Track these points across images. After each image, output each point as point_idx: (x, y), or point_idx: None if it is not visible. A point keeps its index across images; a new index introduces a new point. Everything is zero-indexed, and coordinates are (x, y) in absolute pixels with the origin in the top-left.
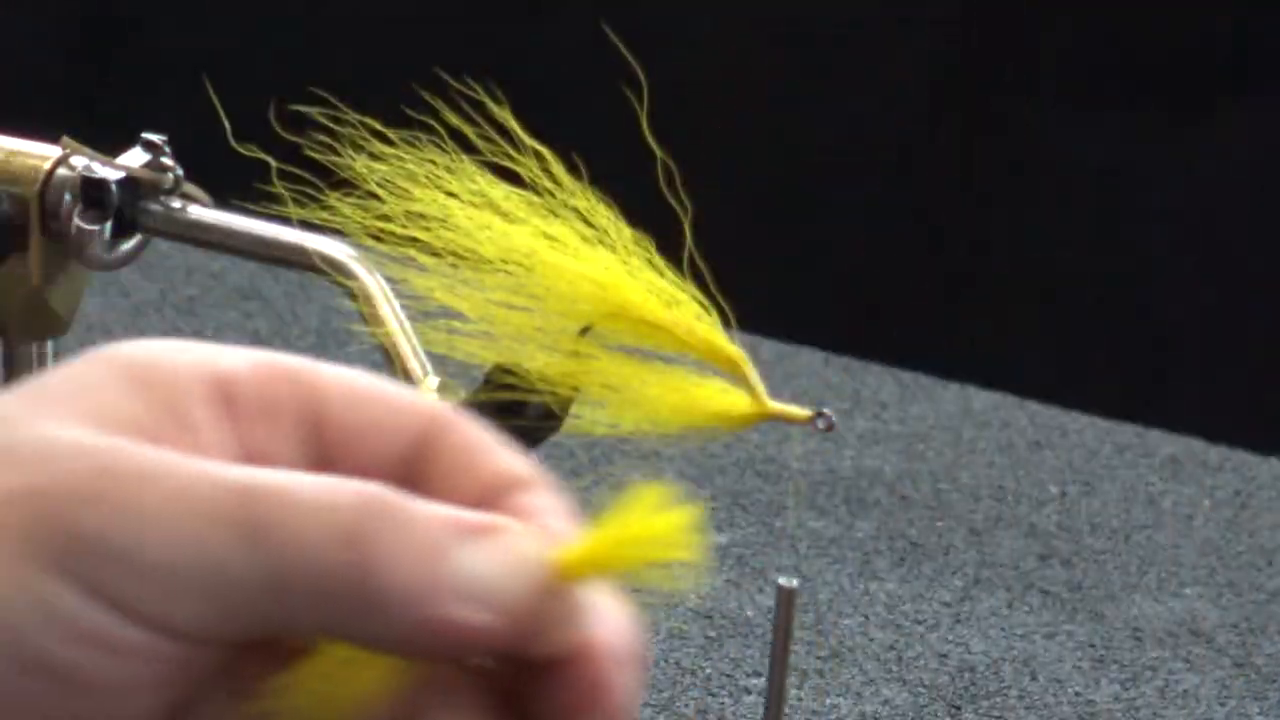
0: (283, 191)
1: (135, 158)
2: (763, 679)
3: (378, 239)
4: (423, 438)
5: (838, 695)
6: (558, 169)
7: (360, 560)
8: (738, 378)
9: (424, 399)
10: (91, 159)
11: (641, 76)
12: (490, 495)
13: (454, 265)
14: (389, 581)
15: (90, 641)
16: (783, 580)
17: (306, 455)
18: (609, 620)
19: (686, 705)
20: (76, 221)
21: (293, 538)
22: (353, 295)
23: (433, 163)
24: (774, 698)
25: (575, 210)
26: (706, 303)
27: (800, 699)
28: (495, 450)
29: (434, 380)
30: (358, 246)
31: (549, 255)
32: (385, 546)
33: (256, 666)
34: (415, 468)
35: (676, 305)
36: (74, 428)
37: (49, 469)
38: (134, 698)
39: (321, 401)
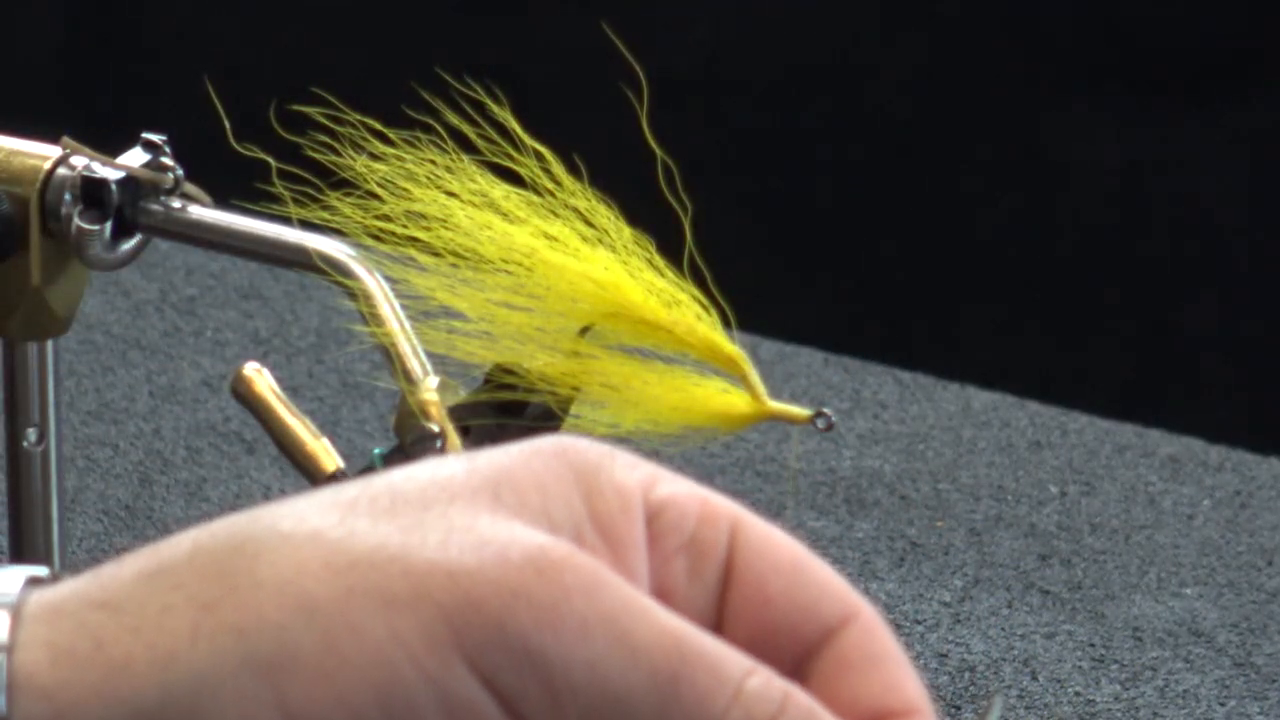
0: (283, 191)
1: (135, 158)
2: None
3: (378, 239)
4: (833, 630)
5: None
6: (558, 169)
7: None
8: (738, 378)
9: (854, 593)
10: (91, 159)
11: (641, 76)
12: (872, 714)
13: (454, 265)
14: None
15: None
16: None
17: (710, 606)
18: None
19: None
20: (76, 221)
21: (706, 712)
22: (353, 295)
23: (433, 163)
24: None
25: (575, 210)
26: (706, 303)
27: None
28: (897, 666)
29: (434, 380)
30: (358, 246)
31: (549, 255)
32: None
33: None
34: (810, 655)
35: (676, 305)
36: (522, 521)
37: (484, 554)
38: None
39: (743, 554)
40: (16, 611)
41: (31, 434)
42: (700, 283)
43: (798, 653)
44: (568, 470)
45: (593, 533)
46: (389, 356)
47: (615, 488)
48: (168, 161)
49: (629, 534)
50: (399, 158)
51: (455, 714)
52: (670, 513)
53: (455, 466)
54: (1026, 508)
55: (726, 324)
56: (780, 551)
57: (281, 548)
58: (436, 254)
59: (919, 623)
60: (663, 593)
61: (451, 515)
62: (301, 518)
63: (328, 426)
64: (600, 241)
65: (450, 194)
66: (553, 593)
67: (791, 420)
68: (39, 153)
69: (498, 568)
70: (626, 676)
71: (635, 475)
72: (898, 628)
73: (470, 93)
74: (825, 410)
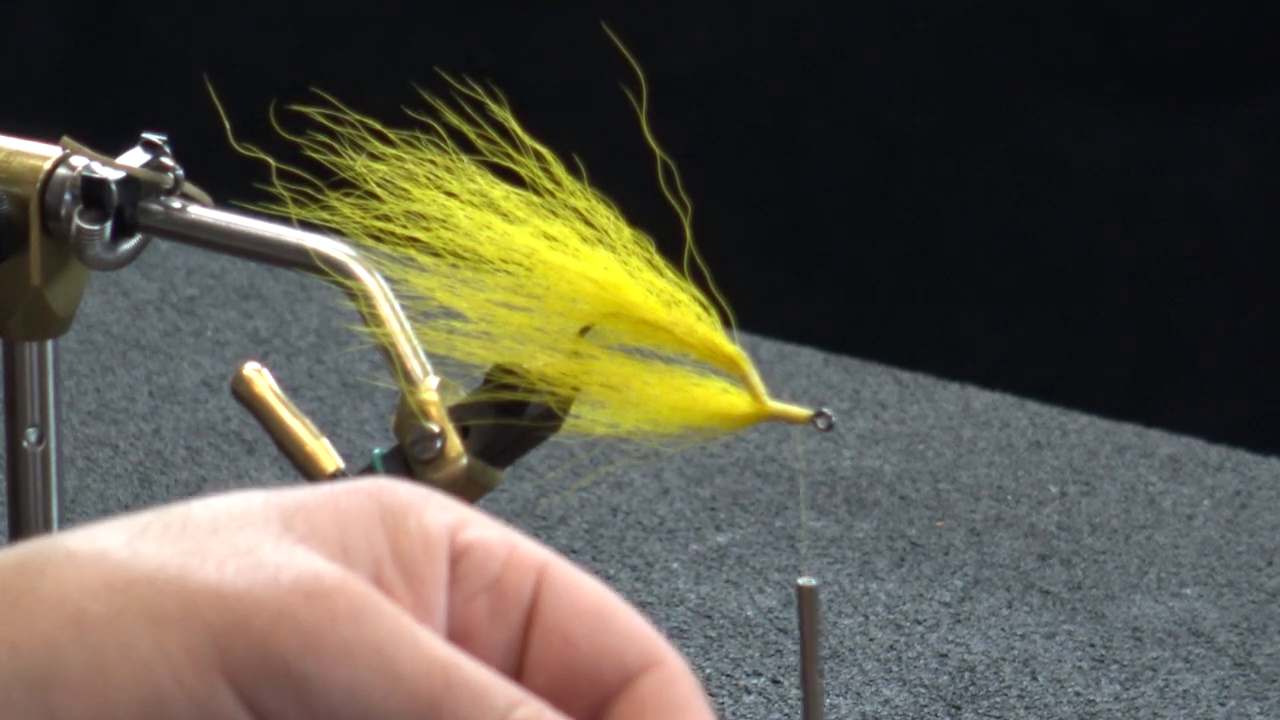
0: (283, 191)
1: (135, 158)
2: (763, 679)
3: (378, 239)
4: (634, 676)
5: (838, 695)
6: (558, 169)
7: None
8: (738, 378)
9: (660, 641)
10: (91, 159)
11: (641, 76)
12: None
13: (454, 265)
14: None
15: None
16: (802, 581)
17: (512, 649)
18: None
19: None
20: (76, 221)
21: None
22: (353, 295)
23: (433, 163)
24: (810, 703)
25: (575, 210)
26: (706, 303)
27: (800, 699)
28: (693, 715)
29: (434, 380)
30: (358, 246)
31: (549, 255)
32: None
33: None
34: (610, 701)
35: (676, 305)
36: (308, 548)
37: (256, 576)
38: None
39: (547, 599)
40: None
41: (31, 434)
42: (700, 283)
43: (598, 698)
44: (375, 507)
45: (393, 568)
46: (389, 356)
47: (421, 527)
48: (168, 161)
49: (429, 572)
50: (399, 158)
51: None
52: (476, 554)
53: (254, 498)
54: (1026, 508)
55: (726, 324)
56: (585, 598)
57: (65, 565)
58: (436, 254)
59: (919, 623)
60: (463, 632)
61: (236, 540)
62: (91, 538)
63: (328, 426)
64: (600, 241)
65: (450, 194)
66: (319, 617)
67: (791, 420)
68: (39, 153)
69: (267, 590)
70: (387, 703)
71: (444, 517)
72: (898, 628)
73: (470, 93)
74: (825, 410)
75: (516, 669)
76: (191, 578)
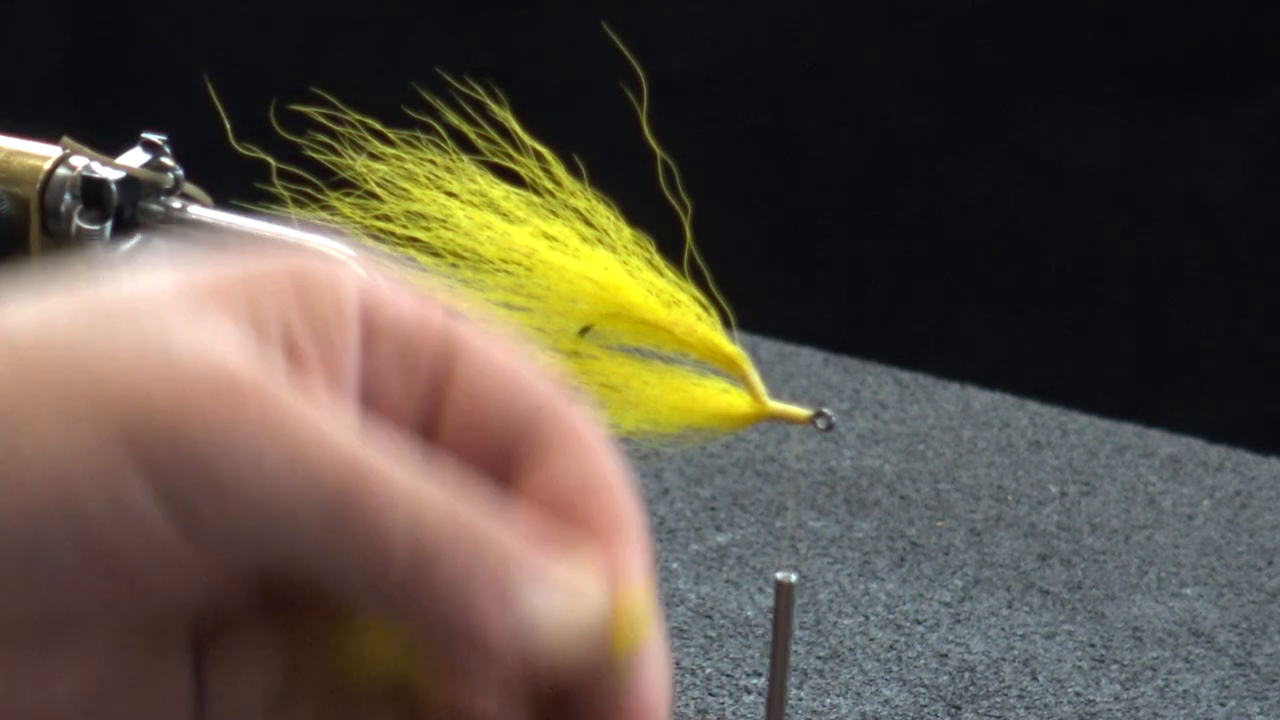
0: (283, 191)
1: (135, 158)
2: (763, 679)
3: (378, 239)
4: (532, 421)
5: (838, 695)
6: (558, 169)
7: (422, 580)
8: (738, 378)
9: (546, 379)
10: (91, 159)
11: (641, 76)
12: (576, 495)
13: (454, 265)
14: (441, 594)
15: (143, 541)
16: (780, 575)
17: (422, 409)
18: (649, 679)
19: (686, 705)
20: (76, 221)
21: (372, 532)
22: None
23: (433, 163)
24: (775, 697)
25: (575, 210)
26: (706, 303)
27: (800, 699)
28: (601, 459)
29: None
30: (358, 246)
31: (549, 255)
32: (449, 566)
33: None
34: (518, 446)
35: (676, 305)
36: (220, 327)
37: (168, 366)
38: (162, 603)
39: (457, 360)
40: None
41: None
42: (700, 283)
43: (510, 443)
44: (286, 274)
45: (304, 331)
46: None
47: (332, 290)
48: (168, 161)
49: (340, 334)
50: (399, 158)
51: (127, 524)
52: (387, 313)
53: (165, 279)
54: (1026, 508)
55: (726, 324)
56: (495, 356)
57: None
58: (436, 254)
59: (919, 623)
60: (375, 393)
61: (148, 324)
62: (1, 321)
63: None
64: (600, 241)
65: (450, 194)
66: (227, 409)
67: (791, 420)
68: (39, 153)
69: (178, 380)
70: (295, 493)
71: (355, 280)
72: (898, 628)
73: (470, 93)
74: (825, 410)
75: (428, 428)
76: (103, 364)
